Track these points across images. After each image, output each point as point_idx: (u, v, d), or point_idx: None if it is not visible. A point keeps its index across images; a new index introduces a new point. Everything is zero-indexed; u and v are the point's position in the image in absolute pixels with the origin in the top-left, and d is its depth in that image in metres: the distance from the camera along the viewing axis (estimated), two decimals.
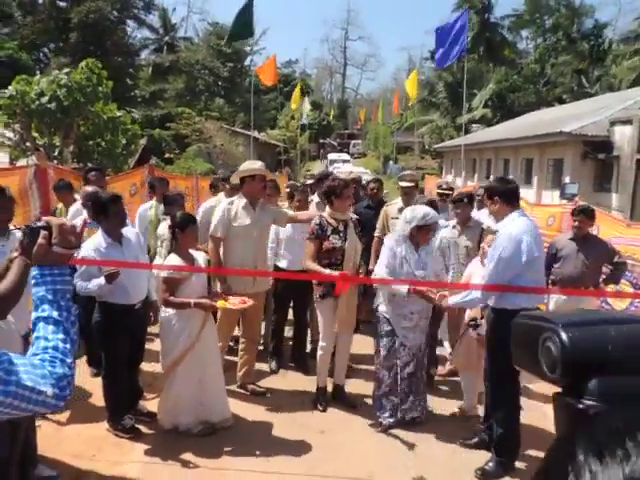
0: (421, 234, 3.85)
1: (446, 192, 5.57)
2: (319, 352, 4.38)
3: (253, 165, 4.48)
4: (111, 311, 3.64)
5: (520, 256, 3.17)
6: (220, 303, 3.73)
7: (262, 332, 5.34)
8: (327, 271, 3.94)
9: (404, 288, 3.71)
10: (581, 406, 1.22)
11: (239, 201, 4.39)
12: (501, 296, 3.26)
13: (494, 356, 3.34)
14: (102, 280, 3.42)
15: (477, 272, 3.91)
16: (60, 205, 5.45)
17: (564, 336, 1.28)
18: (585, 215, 4.77)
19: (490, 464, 3.43)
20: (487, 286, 3.32)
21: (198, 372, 3.73)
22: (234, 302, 3.86)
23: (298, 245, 4.86)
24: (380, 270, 3.87)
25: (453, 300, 3.54)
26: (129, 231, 3.84)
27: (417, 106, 34.37)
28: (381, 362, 4.02)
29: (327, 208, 4.35)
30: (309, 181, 6.57)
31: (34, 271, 1.46)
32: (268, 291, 4.99)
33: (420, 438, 3.88)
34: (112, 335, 3.65)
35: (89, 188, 4.77)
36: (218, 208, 4.48)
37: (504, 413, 3.36)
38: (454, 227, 4.73)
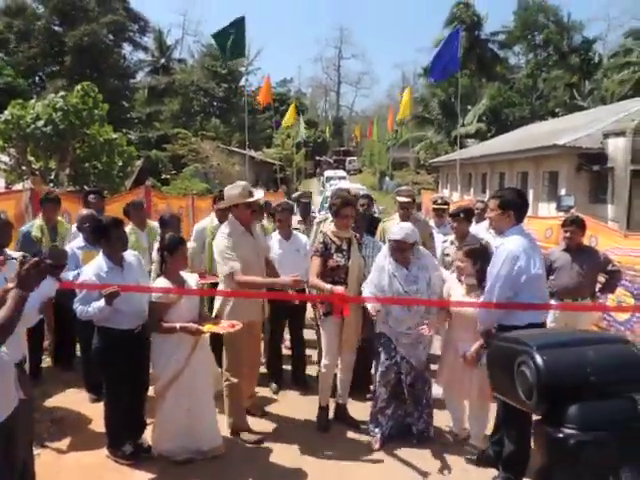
0: (392, 250, 3.86)
1: (442, 207, 5.58)
2: (322, 370, 4.34)
3: (233, 191, 4.03)
4: (110, 336, 3.58)
5: (518, 274, 3.17)
6: (207, 327, 3.61)
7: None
8: (328, 287, 3.90)
9: (378, 306, 3.73)
10: (561, 435, 1.13)
11: (234, 229, 4.03)
12: (508, 313, 3.24)
13: None
14: (102, 302, 3.37)
15: (456, 290, 3.83)
16: (38, 222, 5.05)
17: (539, 359, 1.17)
18: (576, 225, 4.79)
19: None
20: (483, 303, 3.32)
21: (187, 398, 3.64)
22: (223, 326, 3.74)
23: (290, 265, 4.76)
24: (368, 289, 3.88)
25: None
26: (130, 255, 3.78)
27: (412, 122, 34.65)
28: (378, 379, 4.00)
29: (330, 226, 4.35)
30: (303, 200, 6.47)
31: None
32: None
33: (426, 457, 3.83)
34: (112, 360, 3.58)
35: (84, 211, 4.74)
36: (217, 243, 4.02)
37: (516, 429, 3.30)
38: (452, 243, 4.72)
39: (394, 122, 32.87)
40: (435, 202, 5.68)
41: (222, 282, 4.06)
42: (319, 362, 5.28)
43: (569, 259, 4.73)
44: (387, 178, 37.34)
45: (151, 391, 3.89)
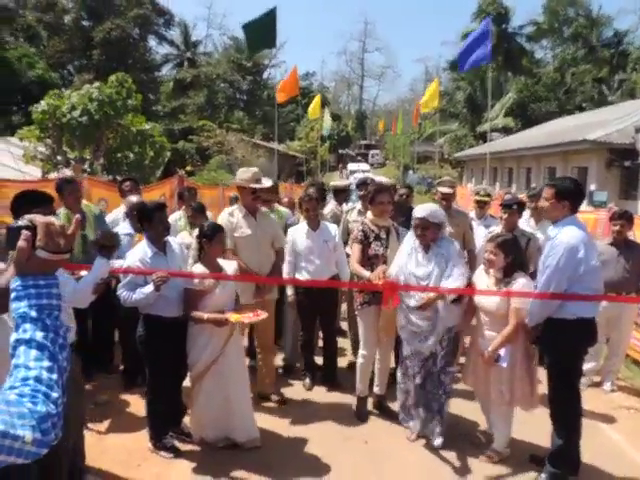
0: (414, 227, 3.75)
1: (484, 199, 5.45)
2: (360, 361, 4.29)
3: (244, 174, 4.29)
4: (156, 324, 3.55)
5: (578, 265, 3.07)
6: (234, 317, 3.55)
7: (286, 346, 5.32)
8: (367, 274, 3.80)
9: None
10: None
11: (239, 211, 4.35)
12: (561, 307, 3.14)
13: (556, 368, 3.23)
14: (150, 287, 3.35)
15: (482, 282, 3.64)
16: (62, 210, 4.41)
17: None
18: (625, 219, 4.70)
19: (543, 475, 3.32)
20: (464, 290, 3.22)
21: (222, 389, 3.61)
22: (248, 315, 3.67)
23: (318, 256, 4.65)
24: (391, 269, 3.80)
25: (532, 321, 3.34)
26: (173, 241, 3.77)
27: (436, 116, 34.28)
28: (403, 371, 3.93)
29: (368, 214, 4.29)
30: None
31: (15, 282, 1.19)
32: (289, 304, 4.89)
33: (467, 449, 3.78)
34: (157, 349, 3.55)
35: (134, 198, 4.68)
36: (219, 219, 4.36)
37: (566, 425, 3.23)
38: None
39: (419, 115, 32.53)
40: (477, 194, 5.54)
41: None
42: (354, 353, 5.27)
43: (615, 253, 4.63)
44: (410, 172, 37.06)
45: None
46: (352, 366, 5.15)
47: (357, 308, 4.26)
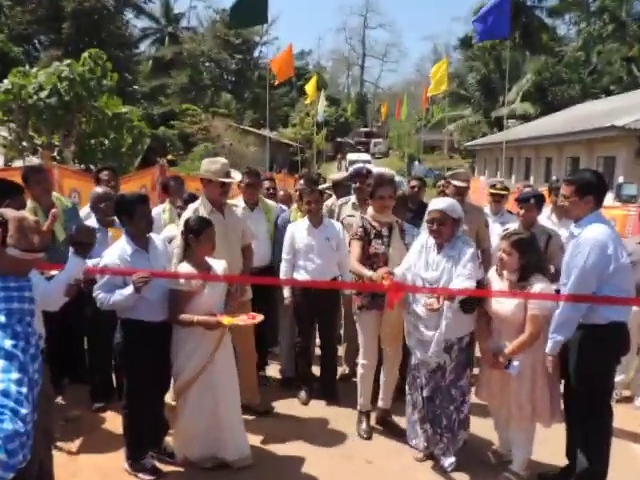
0: (429, 221, 3.70)
1: (500, 192, 5.46)
2: (360, 371, 4.31)
3: (211, 166, 4.17)
4: (136, 329, 3.52)
5: (607, 263, 3.08)
6: (227, 320, 3.54)
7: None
8: (369, 273, 3.80)
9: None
10: None
11: (204, 208, 4.18)
12: (591, 310, 3.15)
13: (586, 378, 3.24)
14: (130, 289, 3.33)
15: (494, 286, 3.61)
16: (29, 204, 4.17)
17: None
18: None
19: None
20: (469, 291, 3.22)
21: (211, 401, 3.60)
22: (242, 317, 3.70)
23: (318, 255, 4.67)
24: (399, 270, 3.78)
25: (552, 343, 3.29)
26: (157, 238, 3.75)
27: (446, 100, 34.28)
28: (410, 382, 3.94)
29: (369, 209, 4.29)
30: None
31: None
32: (285, 307, 4.89)
33: (480, 471, 3.78)
34: (137, 358, 3.51)
35: (99, 189, 4.68)
36: (183, 217, 4.16)
37: (595, 443, 3.23)
38: None
39: (427, 99, 32.54)
40: (493, 187, 5.54)
41: None
42: (347, 363, 5.28)
43: None
44: (416, 163, 37.14)
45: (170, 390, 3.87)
46: (345, 378, 5.19)
47: (355, 312, 4.26)
